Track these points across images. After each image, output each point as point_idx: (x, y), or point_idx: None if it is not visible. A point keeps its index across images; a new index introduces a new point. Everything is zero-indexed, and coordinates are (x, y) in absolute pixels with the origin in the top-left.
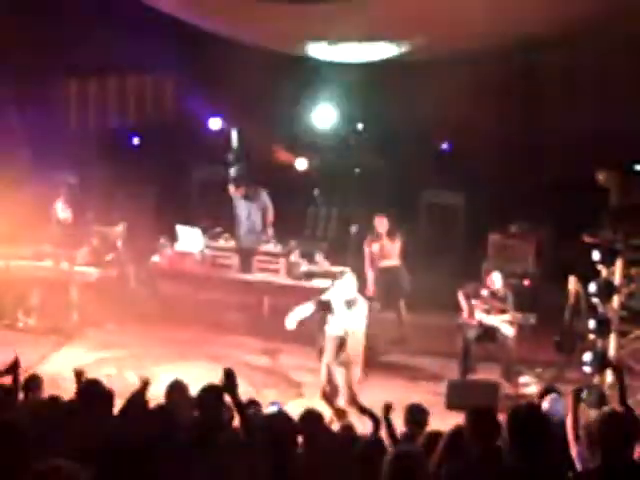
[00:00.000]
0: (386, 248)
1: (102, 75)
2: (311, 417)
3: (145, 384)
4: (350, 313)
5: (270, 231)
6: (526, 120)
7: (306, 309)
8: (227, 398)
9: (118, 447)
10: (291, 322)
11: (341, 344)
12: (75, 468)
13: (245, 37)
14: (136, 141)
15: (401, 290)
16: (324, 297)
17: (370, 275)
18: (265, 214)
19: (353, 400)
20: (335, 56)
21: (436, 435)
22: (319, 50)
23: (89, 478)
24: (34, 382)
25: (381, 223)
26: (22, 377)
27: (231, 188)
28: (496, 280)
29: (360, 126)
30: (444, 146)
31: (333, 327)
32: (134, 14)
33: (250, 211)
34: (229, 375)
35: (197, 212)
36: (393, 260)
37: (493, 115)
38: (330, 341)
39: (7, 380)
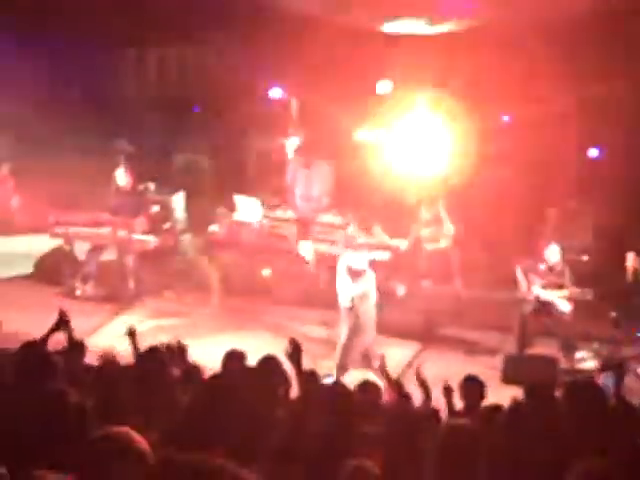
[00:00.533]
0: (433, 233)
1: (162, 45)
2: (368, 387)
3: (182, 349)
4: (353, 283)
5: (326, 201)
6: (580, 95)
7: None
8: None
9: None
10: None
11: (349, 313)
12: (136, 434)
13: (317, 10)
14: (196, 110)
15: (454, 271)
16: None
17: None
18: (324, 185)
19: (343, 366)
20: (408, 28)
21: (494, 409)
22: (394, 25)
23: (148, 445)
24: (76, 348)
25: (427, 209)
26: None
27: (293, 156)
28: (553, 253)
29: (420, 100)
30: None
31: (342, 298)
32: None
33: (309, 181)
34: (295, 345)
35: (255, 182)
36: (443, 242)
37: (547, 91)
38: (342, 312)
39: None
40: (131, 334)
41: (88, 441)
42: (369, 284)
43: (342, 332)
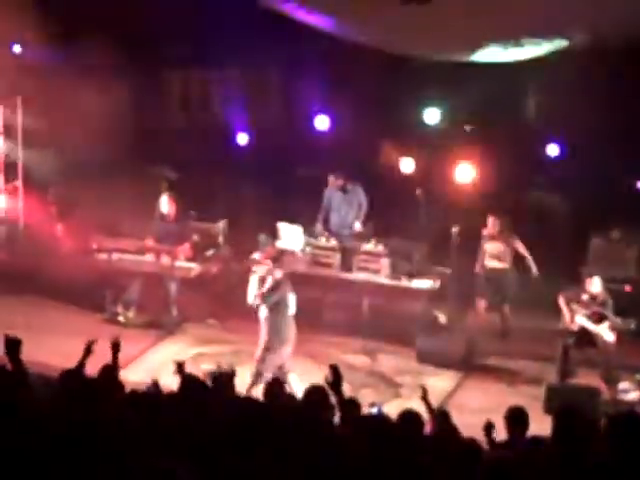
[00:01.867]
0: (498, 250)
1: (205, 71)
2: (410, 419)
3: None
4: (268, 292)
5: (359, 227)
6: (627, 121)
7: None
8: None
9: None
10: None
11: (266, 322)
12: (185, 471)
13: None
14: (240, 138)
15: (505, 296)
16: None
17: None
18: (359, 209)
19: (259, 373)
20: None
21: (537, 440)
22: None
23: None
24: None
25: (493, 224)
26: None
27: (331, 179)
28: (595, 285)
29: (467, 128)
30: None
31: (259, 308)
32: (242, 10)
33: (344, 204)
34: (336, 372)
35: (299, 210)
36: (503, 263)
37: (596, 116)
38: (261, 322)
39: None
40: (180, 370)
41: (135, 473)
42: (285, 294)
43: (260, 343)
